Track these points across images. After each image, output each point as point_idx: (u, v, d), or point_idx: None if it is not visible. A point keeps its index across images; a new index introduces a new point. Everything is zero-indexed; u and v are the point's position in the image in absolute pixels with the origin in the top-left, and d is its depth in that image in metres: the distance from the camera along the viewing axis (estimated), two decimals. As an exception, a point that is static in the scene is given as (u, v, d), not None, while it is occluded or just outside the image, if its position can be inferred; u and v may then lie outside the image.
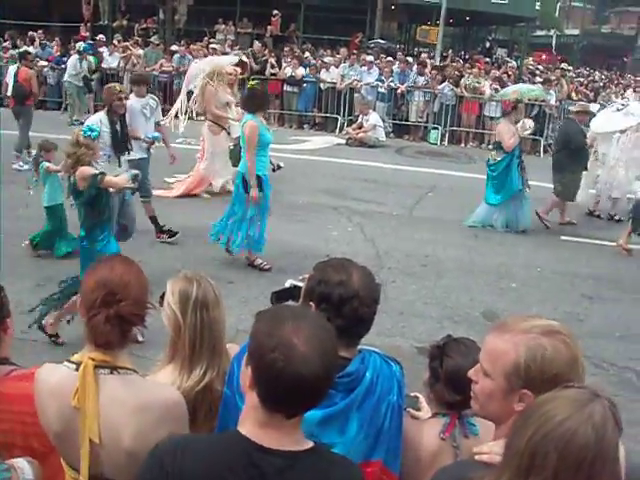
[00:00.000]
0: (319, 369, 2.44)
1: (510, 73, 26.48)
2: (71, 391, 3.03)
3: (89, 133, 7.95)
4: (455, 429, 3.35)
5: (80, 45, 25.11)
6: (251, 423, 2.58)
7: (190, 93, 15.62)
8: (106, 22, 35.49)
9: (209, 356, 3.70)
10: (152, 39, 28.54)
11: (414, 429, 3.40)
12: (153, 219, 11.85)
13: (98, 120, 9.82)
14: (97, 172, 7.83)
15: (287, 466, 2.53)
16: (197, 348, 3.70)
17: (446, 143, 23.55)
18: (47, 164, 11.04)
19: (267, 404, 2.52)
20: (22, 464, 3.08)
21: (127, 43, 27.44)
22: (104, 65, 25.90)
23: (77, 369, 3.07)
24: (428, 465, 3.22)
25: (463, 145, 23.66)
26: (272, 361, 2.43)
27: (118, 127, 9.98)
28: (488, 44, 53.66)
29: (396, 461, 3.23)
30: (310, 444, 2.63)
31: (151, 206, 11.83)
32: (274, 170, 10.78)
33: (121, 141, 9.97)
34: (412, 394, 3.83)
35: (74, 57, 24.19)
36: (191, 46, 27.75)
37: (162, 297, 3.75)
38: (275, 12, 33.98)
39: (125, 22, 34.26)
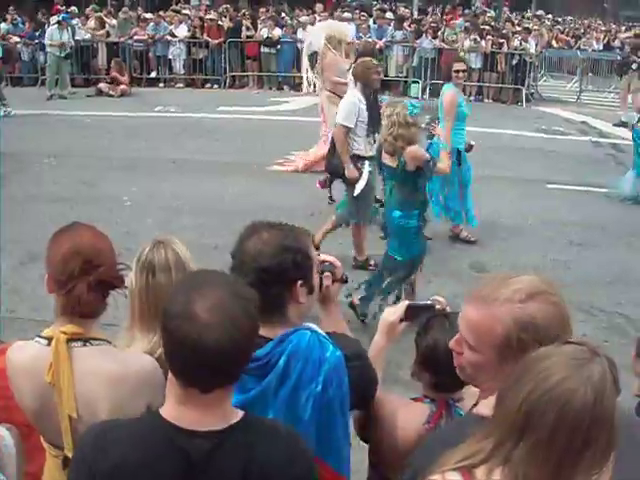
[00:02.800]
0: (222, 340, 2.29)
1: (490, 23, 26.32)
2: (44, 367, 2.98)
3: (414, 111, 7.74)
4: (441, 419, 3.17)
5: (59, 16, 24.81)
6: (171, 401, 2.46)
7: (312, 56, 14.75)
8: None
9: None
10: (123, 9, 28.19)
11: (395, 413, 3.25)
12: None
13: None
14: (429, 157, 7.82)
15: (214, 447, 2.40)
16: (145, 311, 3.61)
17: (427, 96, 23.31)
18: None
19: (178, 377, 2.41)
20: (1, 431, 3.10)
21: (101, 14, 27.12)
22: (77, 37, 25.59)
23: (49, 344, 3.02)
24: (406, 453, 2.94)
25: (442, 97, 23.41)
26: (174, 330, 2.32)
27: (372, 102, 9.61)
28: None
29: (336, 457, 2.99)
30: (238, 417, 2.50)
31: None
32: (467, 150, 10.43)
33: (376, 117, 9.41)
34: (431, 298, 3.54)
35: (53, 27, 23.84)
36: (163, 13, 27.47)
37: None
38: (249, -27, 33.68)
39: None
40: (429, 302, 3.45)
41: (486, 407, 2.39)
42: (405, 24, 24.92)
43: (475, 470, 2.10)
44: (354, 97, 9.47)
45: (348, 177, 9.38)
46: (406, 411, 3.26)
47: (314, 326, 3.04)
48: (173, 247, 3.70)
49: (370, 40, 23.31)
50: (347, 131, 9.33)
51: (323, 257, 3.30)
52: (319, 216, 11.28)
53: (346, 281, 3.41)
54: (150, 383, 3.04)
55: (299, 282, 2.98)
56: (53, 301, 8.03)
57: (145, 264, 3.59)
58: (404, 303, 3.47)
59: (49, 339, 3.04)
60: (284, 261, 2.95)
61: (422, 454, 2.51)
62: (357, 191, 9.31)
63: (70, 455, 2.99)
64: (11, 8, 29.15)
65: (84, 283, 2.95)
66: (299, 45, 24.28)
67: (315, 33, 14.88)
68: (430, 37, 23.44)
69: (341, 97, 12.92)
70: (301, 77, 24.15)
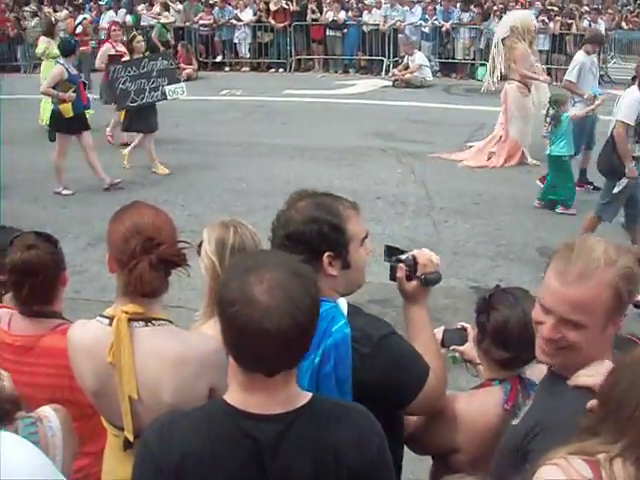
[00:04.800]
0: (286, 323, 2.22)
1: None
2: (105, 347, 2.97)
3: None
4: (518, 396, 3.10)
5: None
6: (235, 387, 2.40)
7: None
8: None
9: None
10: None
11: (468, 405, 3.19)
12: None
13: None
14: None
15: (282, 431, 2.34)
16: None
17: (496, 79, 23.00)
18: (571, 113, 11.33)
19: (241, 363, 2.34)
20: (48, 412, 2.99)
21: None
22: (143, 22, 25.80)
23: (110, 324, 3.00)
24: (490, 441, 2.98)
25: (511, 80, 23.07)
26: (233, 316, 2.24)
27: None
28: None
29: None
30: (306, 398, 2.42)
31: None
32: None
33: None
34: (458, 324, 3.65)
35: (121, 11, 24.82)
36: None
37: (200, 246, 3.58)
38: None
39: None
40: (459, 327, 3.60)
41: (589, 377, 2.42)
42: (471, 6, 24.60)
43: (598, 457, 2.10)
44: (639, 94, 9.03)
45: (629, 176, 8.88)
46: (479, 399, 3.22)
47: (343, 300, 2.98)
48: (249, 227, 3.66)
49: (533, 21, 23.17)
50: (627, 128, 8.93)
51: (418, 252, 3.13)
52: (385, 200, 11.26)
53: (428, 283, 3.10)
54: (214, 364, 2.98)
55: (326, 253, 2.93)
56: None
57: (235, 248, 3.51)
58: (441, 328, 3.52)
59: (111, 318, 3.02)
60: (309, 230, 2.92)
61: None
62: (619, 188, 8.98)
63: (130, 437, 3.00)
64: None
65: (145, 262, 2.91)
66: (364, 28, 24.19)
67: (503, 23, 14.89)
68: (497, 19, 23.09)
69: (529, 90, 13.37)
70: (366, 60, 24.29)
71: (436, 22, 23.83)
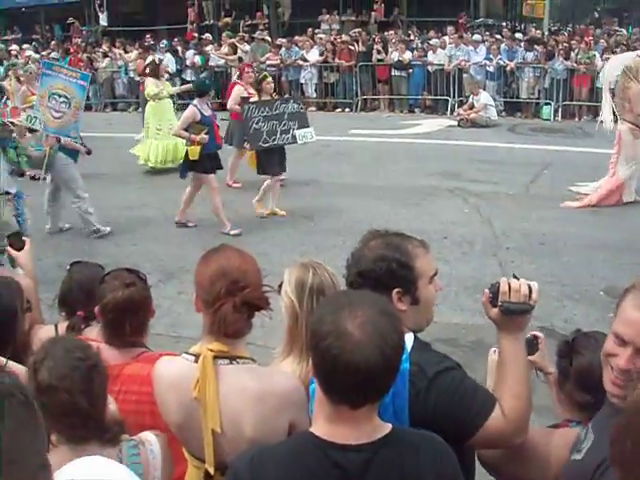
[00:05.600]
0: (375, 357, 2.35)
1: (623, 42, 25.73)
2: (191, 383, 3.08)
3: None
4: None
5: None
6: (322, 420, 2.53)
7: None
8: (211, 21, 35.99)
9: None
10: (256, 34, 28.80)
11: (543, 439, 3.14)
12: None
13: None
14: None
15: (368, 459, 2.45)
16: None
17: (559, 118, 22.99)
18: None
19: (328, 395, 2.47)
20: (149, 437, 3.16)
21: (234, 40, 27.76)
22: (211, 63, 26.34)
23: (196, 361, 3.12)
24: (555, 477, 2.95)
25: (577, 119, 22.96)
26: (326, 349, 2.38)
27: None
28: (597, 14, 52.25)
29: None
30: (388, 429, 2.54)
31: None
32: None
33: None
34: (530, 333, 3.61)
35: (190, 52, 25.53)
36: (296, 37, 27.90)
37: (280, 286, 3.72)
38: (377, -2, 33.78)
39: (230, 20, 34.60)
40: (530, 336, 3.55)
41: None
42: (535, 45, 24.59)
43: None
44: None
45: None
46: (558, 438, 3.15)
47: (410, 336, 3.03)
48: (328, 268, 3.80)
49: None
50: None
51: (504, 279, 3.02)
52: (452, 239, 11.39)
53: (506, 312, 2.98)
54: (294, 401, 3.12)
55: (396, 290, 3.05)
56: (189, 319, 8.42)
57: (314, 289, 3.65)
58: None
59: (196, 356, 3.14)
60: (378, 268, 3.05)
61: None
62: None
63: (211, 470, 3.11)
64: (148, 36, 30.26)
65: (230, 304, 3.03)
66: (429, 68, 24.34)
67: (612, 65, 14.79)
68: (562, 58, 23.08)
69: None
70: (431, 99, 24.42)
71: (500, 61, 23.82)
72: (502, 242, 11.45)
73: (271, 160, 13.02)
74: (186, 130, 11.92)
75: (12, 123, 10.44)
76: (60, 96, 11.38)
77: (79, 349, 3.14)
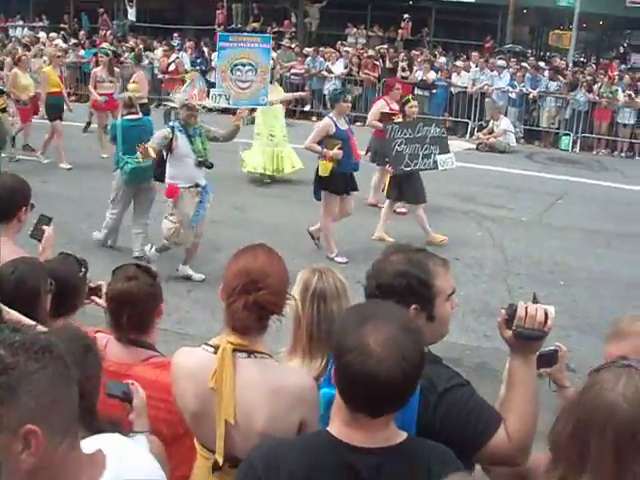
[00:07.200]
0: (395, 374, 2.39)
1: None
2: (208, 373, 3.14)
3: None
4: None
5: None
6: (339, 422, 2.57)
7: None
8: (239, 25, 36.18)
9: (328, 348, 3.57)
10: (283, 41, 28.97)
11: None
12: None
13: None
14: None
15: (381, 463, 2.50)
16: (314, 339, 3.74)
17: (577, 150, 23.01)
18: None
19: (347, 404, 2.51)
20: (142, 439, 3.18)
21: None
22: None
23: (215, 352, 3.18)
24: None
25: (595, 152, 22.96)
26: (348, 363, 2.42)
27: None
28: (622, 49, 52.23)
29: None
30: (402, 437, 2.60)
31: None
32: None
33: None
34: (554, 345, 3.64)
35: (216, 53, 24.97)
36: (322, 48, 28.03)
37: None
38: (406, 16, 33.92)
39: (258, 25, 34.81)
40: (553, 348, 3.61)
41: None
42: (559, 75, 24.63)
43: None
44: None
45: None
46: None
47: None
48: (338, 275, 3.87)
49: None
50: None
51: (522, 304, 3.05)
52: (463, 261, 11.52)
53: (519, 336, 3.02)
54: (307, 399, 3.16)
55: (413, 306, 3.08)
56: (196, 316, 8.52)
57: (316, 293, 3.74)
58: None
59: (216, 347, 3.20)
60: (398, 283, 3.09)
61: None
62: None
63: (220, 460, 3.16)
64: (175, 34, 30.51)
65: (242, 301, 3.09)
66: (452, 89, 24.42)
67: None
68: (584, 90, 23.12)
69: None
70: (452, 121, 24.46)
71: (524, 89, 23.84)
72: (512, 268, 11.52)
73: (413, 186, 12.40)
74: (319, 143, 11.11)
75: (203, 107, 9.83)
76: (244, 65, 11.00)
77: (75, 329, 3.29)
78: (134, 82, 16.82)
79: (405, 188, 12.40)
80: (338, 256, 11.33)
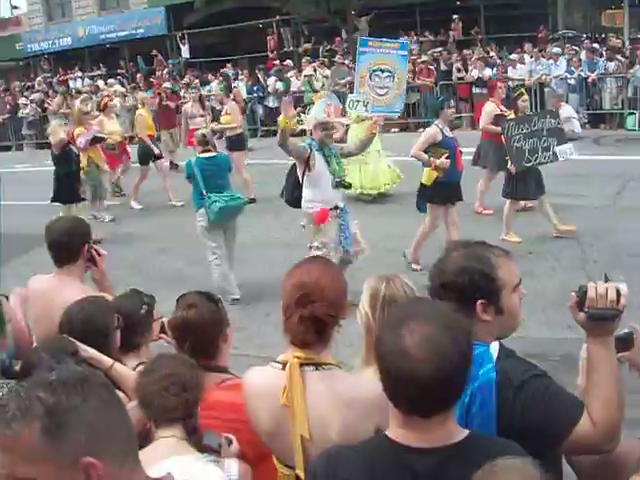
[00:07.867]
0: (434, 373, 2.39)
1: None
2: (279, 390, 3.18)
3: None
4: None
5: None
6: (395, 424, 2.58)
7: None
8: (291, 49, 36.46)
9: None
10: (336, 58, 29.08)
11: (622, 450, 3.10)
12: None
13: None
14: None
15: (440, 463, 2.48)
16: None
17: (645, 128, 22.60)
18: None
19: (397, 407, 2.53)
20: (230, 462, 3.25)
21: (314, 64, 28.10)
22: (293, 88, 26.74)
23: (283, 368, 3.22)
24: None
25: (664, 127, 22.53)
26: (388, 365, 2.45)
27: None
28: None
29: None
30: (463, 435, 2.57)
31: None
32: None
33: None
34: (629, 325, 3.48)
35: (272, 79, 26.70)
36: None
37: None
38: (455, 17, 33.77)
39: (310, 45, 35.01)
40: (627, 330, 3.47)
41: None
42: (617, 55, 24.29)
43: None
44: None
45: None
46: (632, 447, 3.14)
47: (495, 345, 3.07)
48: (406, 281, 3.87)
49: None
50: None
51: (592, 284, 3.02)
52: (537, 254, 11.44)
53: (591, 317, 2.98)
54: (379, 406, 3.08)
55: (479, 301, 3.07)
56: (278, 340, 8.57)
57: (386, 299, 3.73)
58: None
59: (283, 364, 3.24)
60: (461, 280, 3.07)
61: None
62: None
63: (302, 475, 3.18)
64: (229, 65, 30.89)
65: (297, 315, 3.14)
66: (510, 83, 24.21)
67: None
68: (643, 65, 22.76)
69: None
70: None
71: (582, 73, 23.60)
72: (589, 255, 11.37)
73: (527, 182, 12.29)
74: (425, 152, 10.89)
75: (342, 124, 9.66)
76: (383, 71, 10.56)
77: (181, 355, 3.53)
78: (227, 114, 17.15)
79: (520, 184, 12.28)
80: (416, 265, 11.02)
